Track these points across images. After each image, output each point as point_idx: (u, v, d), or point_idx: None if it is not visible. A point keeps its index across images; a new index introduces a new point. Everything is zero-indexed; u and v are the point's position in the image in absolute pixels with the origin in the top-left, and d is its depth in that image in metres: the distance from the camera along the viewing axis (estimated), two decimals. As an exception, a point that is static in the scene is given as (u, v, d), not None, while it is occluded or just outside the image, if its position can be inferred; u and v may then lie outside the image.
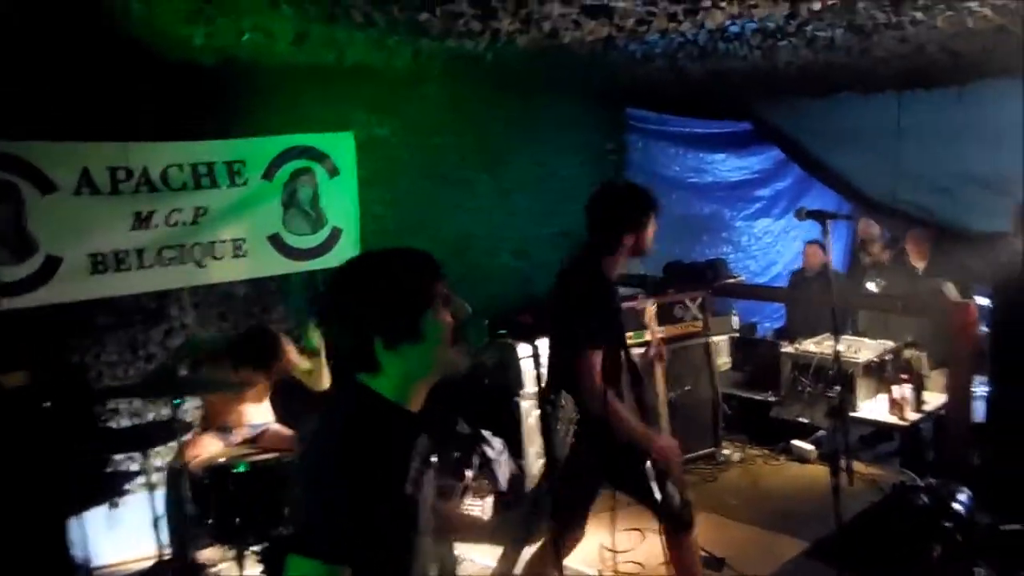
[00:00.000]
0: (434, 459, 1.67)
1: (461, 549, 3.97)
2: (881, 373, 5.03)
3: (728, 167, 7.12)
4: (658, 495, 2.92)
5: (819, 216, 3.19)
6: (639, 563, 3.88)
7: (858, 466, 4.76)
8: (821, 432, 5.15)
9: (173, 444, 3.49)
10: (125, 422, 3.93)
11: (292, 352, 3.87)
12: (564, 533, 3.02)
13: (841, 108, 5.88)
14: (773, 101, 6.20)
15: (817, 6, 3.17)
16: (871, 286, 6.22)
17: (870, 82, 5.37)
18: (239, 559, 3.19)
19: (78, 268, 3.89)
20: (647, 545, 4.07)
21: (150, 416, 3.98)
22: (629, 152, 6.35)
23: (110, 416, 3.96)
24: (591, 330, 2.94)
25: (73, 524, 3.55)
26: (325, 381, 3.85)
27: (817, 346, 5.16)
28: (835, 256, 7.26)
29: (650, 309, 3.86)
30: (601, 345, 2.91)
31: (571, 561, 3.86)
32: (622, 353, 3.05)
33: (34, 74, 3.64)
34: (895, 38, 3.90)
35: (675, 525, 3.01)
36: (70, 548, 3.51)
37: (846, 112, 5.86)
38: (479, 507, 4.28)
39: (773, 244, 7.66)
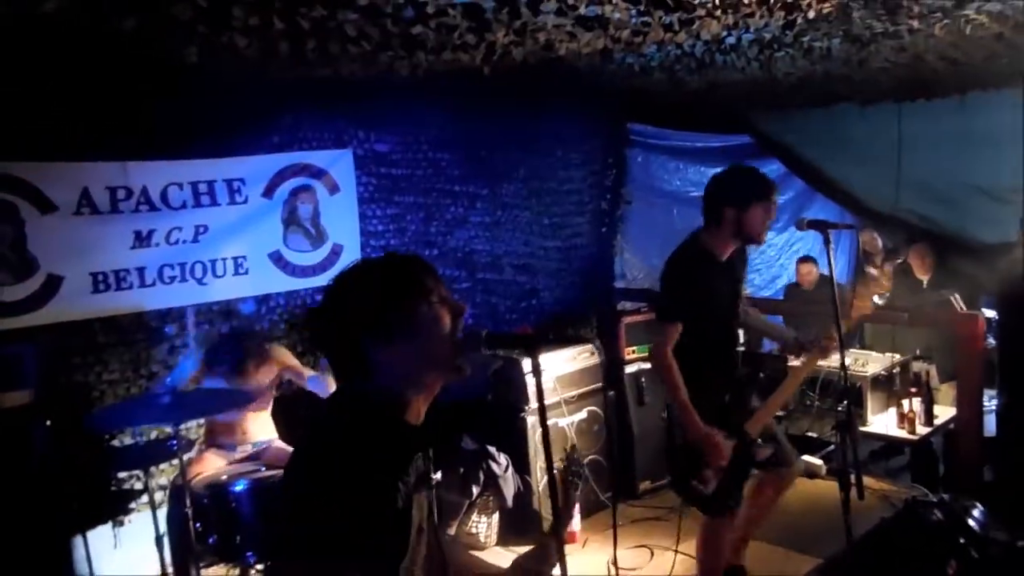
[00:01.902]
0: (435, 479, 1.60)
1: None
2: (890, 386, 4.98)
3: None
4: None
5: (820, 226, 3.16)
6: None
7: (869, 481, 4.65)
8: (830, 447, 5.09)
9: (176, 462, 3.45)
10: (128, 440, 3.89)
11: (282, 354, 3.90)
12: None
13: (841, 119, 5.86)
14: (772, 113, 6.19)
15: (811, 14, 3.17)
16: (875, 299, 6.19)
17: (870, 92, 5.36)
18: (240, 578, 3.15)
19: (79, 287, 3.87)
20: (656, 562, 4.01)
21: (153, 434, 3.94)
22: (629, 166, 6.34)
23: (113, 434, 3.93)
24: (668, 302, 3.05)
25: (77, 542, 3.51)
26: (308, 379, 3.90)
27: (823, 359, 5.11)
28: (838, 269, 7.23)
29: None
30: (676, 320, 2.94)
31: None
32: (722, 336, 3.07)
33: (32, 95, 3.63)
34: (893, 47, 3.89)
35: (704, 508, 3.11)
36: (74, 567, 3.46)
37: (846, 123, 5.84)
38: (485, 524, 4.23)
39: (776, 258, 7.63)
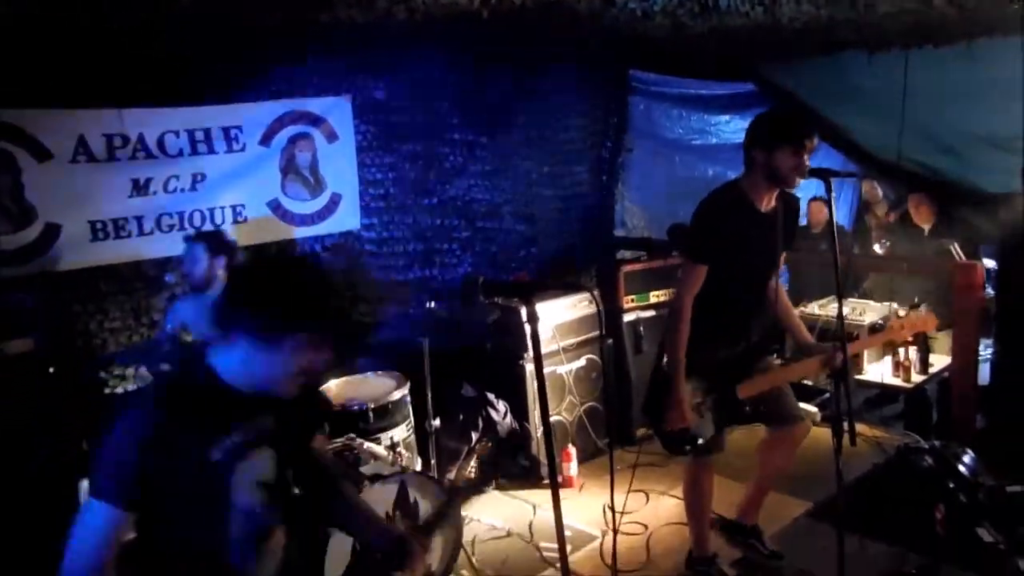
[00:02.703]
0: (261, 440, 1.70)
1: (468, 509, 4.01)
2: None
3: (732, 128, 7.00)
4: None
5: (822, 174, 3.12)
6: (643, 524, 3.90)
7: (862, 428, 4.75)
8: (825, 394, 5.15)
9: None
10: (132, 387, 3.93)
11: None
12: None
13: (846, 66, 5.76)
14: (777, 60, 6.08)
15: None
16: (877, 248, 6.17)
17: (876, 39, 5.26)
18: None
19: (78, 235, 3.89)
20: (651, 507, 4.10)
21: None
22: (631, 114, 6.26)
23: (116, 382, 3.97)
24: (694, 241, 3.05)
25: (80, 488, 3.57)
26: None
27: (822, 308, 5.13)
28: (840, 218, 7.21)
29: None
30: (699, 260, 2.97)
31: (574, 521, 3.90)
32: (745, 290, 3.07)
33: (26, 41, 3.58)
34: (901, -9, 3.81)
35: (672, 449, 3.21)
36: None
37: (851, 70, 5.74)
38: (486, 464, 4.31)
39: (778, 207, 7.60)
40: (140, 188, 4.04)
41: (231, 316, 1.61)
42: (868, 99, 5.78)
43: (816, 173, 3.13)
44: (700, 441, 3.10)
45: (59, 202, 3.83)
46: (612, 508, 3.45)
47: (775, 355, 3.44)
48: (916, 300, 5.15)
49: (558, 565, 3.44)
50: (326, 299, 1.65)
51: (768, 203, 3.05)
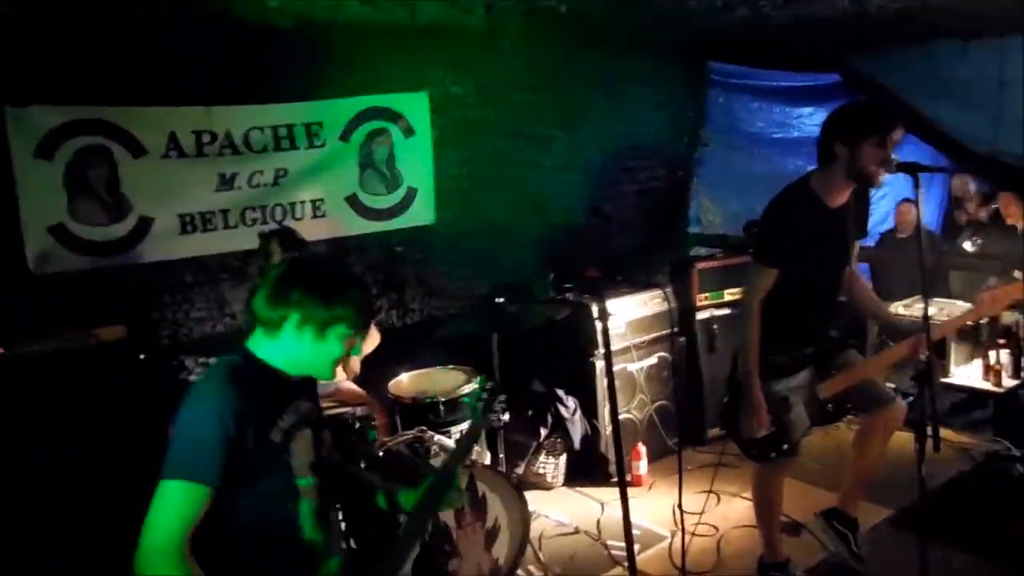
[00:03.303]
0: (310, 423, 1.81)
1: (536, 505, 4.03)
2: (976, 337, 4.78)
3: (815, 121, 6.79)
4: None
5: (911, 168, 2.99)
6: (714, 526, 3.84)
7: (948, 434, 4.56)
8: (908, 397, 4.95)
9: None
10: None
11: None
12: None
13: (939, 56, 5.52)
14: (864, 50, 5.88)
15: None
16: (967, 245, 5.91)
17: (971, 27, 5.02)
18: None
19: (168, 228, 4.06)
20: (722, 508, 4.03)
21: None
22: (709, 107, 6.15)
23: (200, 371, 4.14)
24: (764, 243, 2.98)
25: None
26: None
27: (907, 309, 4.94)
28: (928, 214, 6.92)
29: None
30: (769, 264, 2.91)
31: (643, 520, 3.87)
32: (819, 288, 3.01)
33: (121, 41, 3.76)
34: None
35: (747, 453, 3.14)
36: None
37: (945, 60, 5.51)
38: (552, 464, 4.32)
39: (863, 202, 7.33)
40: (226, 183, 4.19)
41: (283, 304, 1.71)
42: (963, 90, 5.53)
43: (904, 167, 3.00)
44: (785, 447, 3.03)
45: (151, 196, 4.01)
46: (681, 508, 3.43)
47: (855, 350, 3.32)
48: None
49: (626, 564, 3.46)
50: (367, 289, 1.84)
51: (840, 199, 2.95)
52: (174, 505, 1.57)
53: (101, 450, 3.34)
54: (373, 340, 3.80)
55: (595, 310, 4.35)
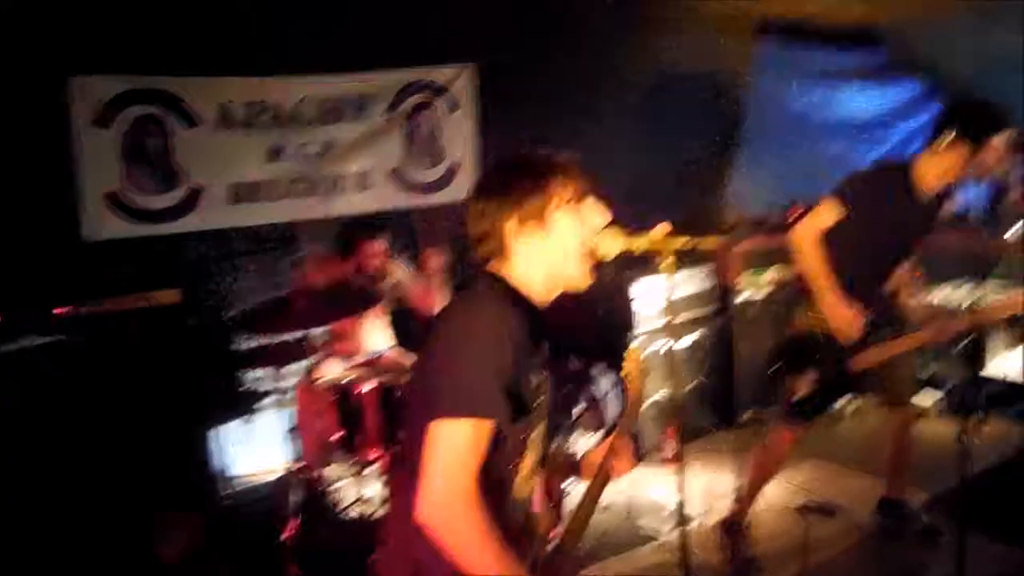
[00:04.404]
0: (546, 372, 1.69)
1: (566, 482, 4.08)
2: (1019, 326, 4.73)
3: (861, 101, 6.68)
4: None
5: None
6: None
7: (988, 423, 4.54)
8: (949, 385, 4.92)
9: (304, 364, 3.73)
10: (259, 343, 4.19)
11: (399, 268, 4.02)
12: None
13: (995, 27, 5.35)
14: (910, 24, 5.71)
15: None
16: (1012, 232, 5.80)
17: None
18: (359, 475, 3.41)
19: (219, 198, 4.15)
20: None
21: (282, 337, 4.22)
22: (752, 87, 6.06)
23: (246, 336, 4.25)
24: (847, 186, 3.00)
25: (211, 436, 3.89)
26: (434, 300, 3.99)
27: (949, 294, 4.90)
28: (983, 197, 6.78)
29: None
30: (839, 198, 2.93)
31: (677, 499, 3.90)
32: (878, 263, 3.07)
33: (175, 8, 3.81)
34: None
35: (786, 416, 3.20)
36: (209, 458, 3.84)
37: (1001, 31, 5.33)
38: (588, 442, 4.37)
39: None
40: (276, 154, 4.27)
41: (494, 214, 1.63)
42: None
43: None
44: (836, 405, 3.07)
45: (203, 166, 4.09)
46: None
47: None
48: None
49: (656, 541, 3.52)
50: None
51: (933, 190, 2.95)
52: (456, 444, 1.44)
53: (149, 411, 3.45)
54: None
55: (640, 288, 4.40)
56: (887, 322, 3.23)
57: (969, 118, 2.87)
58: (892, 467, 3.52)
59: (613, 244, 1.68)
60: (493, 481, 1.53)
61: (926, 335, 3.15)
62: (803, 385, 3.05)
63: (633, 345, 4.38)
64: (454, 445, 1.44)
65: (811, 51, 6.26)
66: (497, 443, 1.50)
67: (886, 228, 2.97)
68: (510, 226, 1.61)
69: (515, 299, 1.60)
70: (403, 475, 1.60)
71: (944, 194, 3.06)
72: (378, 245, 3.89)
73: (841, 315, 2.97)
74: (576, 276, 1.66)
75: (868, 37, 6.09)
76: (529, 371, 1.58)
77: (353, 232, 3.94)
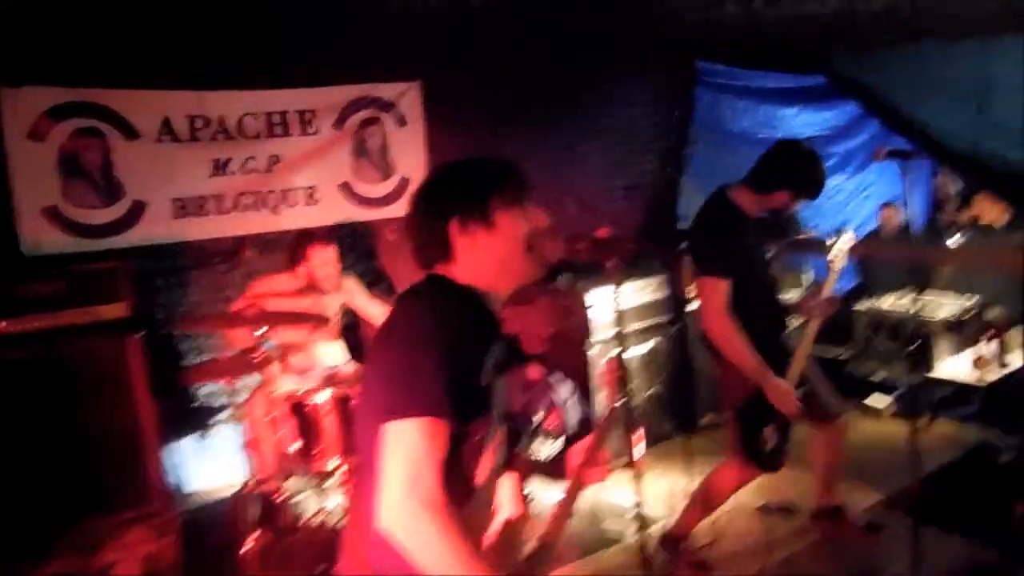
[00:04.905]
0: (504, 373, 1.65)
1: (531, 488, 4.02)
2: (962, 331, 4.88)
3: (801, 122, 6.89)
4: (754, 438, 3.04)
5: (901, 155, 3.07)
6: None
7: (937, 424, 4.64)
8: (898, 389, 5.02)
9: (256, 377, 3.61)
10: (207, 357, 4.07)
11: (352, 284, 3.97)
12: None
13: (925, 58, 5.62)
14: (851, 50, 5.97)
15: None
16: (950, 244, 6.01)
17: (957, 27, 5.13)
18: (319, 487, 3.30)
19: (162, 212, 4.04)
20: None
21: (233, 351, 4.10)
22: (696, 105, 6.20)
23: (196, 351, 4.12)
24: (708, 257, 3.06)
25: (167, 451, 3.73)
26: (375, 311, 3.93)
27: (895, 302, 5.03)
28: (913, 214, 7.02)
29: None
30: (720, 275, 2.97)
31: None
32: (759, 290, 3.09)
33: (114, 22, 3.73)
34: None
35: (759, 465, 3.10)
36: (165, 473, 3.67)
37: (930, 62, 5.60)
38: (549, 449, 4.32)
39: (845, 203, 7.41)
40: (220, 168, 4.18)
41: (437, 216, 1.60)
42: (947, 90, 5.62)
43: (895, 154, 3.08)
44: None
45: (145, 180, 3.99)
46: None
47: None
48: (991, 297, 4.97)
49: (620, 542, 3.48)
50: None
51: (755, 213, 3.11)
52: (417, 444, 1.37)
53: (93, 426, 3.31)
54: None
55: (590, 297, 4.41)
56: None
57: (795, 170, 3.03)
58: (825, 476, 3.53)
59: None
60: (453, 484, 1.45)
61: (811, 320, 3.23)
62: (771, 437, 3.05)
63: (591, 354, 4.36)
64: (407, 446, 1.38)
65: (753, 74, 6.46)
66: (452, 443, 1.44)
67: (754, 261, 3.10)
68: (453, 227, 1.58)
69: (462, 298, 1.57)
70: (360, 484, 1.55)
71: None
72: (329, 252, 3.80)
73: (777, 393, 2.97)
74: (522, 274, 1.64)
75: (807, 61, 6.31)
76: (481, 369, 1.52)
77: (303, 239, 3.84)
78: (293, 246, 3.84)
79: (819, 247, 5.83)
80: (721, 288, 2.95)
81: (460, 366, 1.44)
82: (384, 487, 1.38)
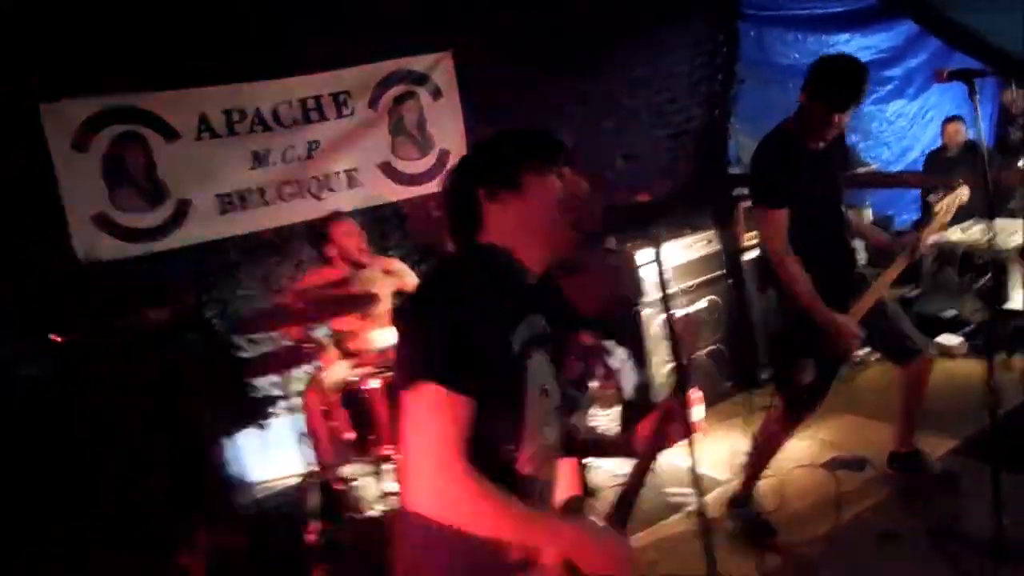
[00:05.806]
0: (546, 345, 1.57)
1: (590, 457, 4.01)
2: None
3: (853, 48, 6.52)
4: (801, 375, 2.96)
5: (964, 75, 2.85)
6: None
7: (1015, 360, 4.43)
8: (971, 325, 4.80)
9: (310, 367, 3.67)
10: (263, 350, 4.14)
11: (400, 267, 4.03)
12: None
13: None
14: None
15: None
16: (1022, 164, 5.66)
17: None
18: (377, 473, 3.35)
19: (207, 209, 4.09)
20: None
21: (286, 342, 4.18)
22: (741, 42, 5.93)
23: (251, 347, 4.20)
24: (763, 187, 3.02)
25: (227, 445, 3.84)
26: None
27: (964, 232, 4.78)
28: (983, 128, 6.65)
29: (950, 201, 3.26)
30: (775, 204, 2.93)
31: (702, 466, 3.82)
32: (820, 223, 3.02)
33: (139, 24, 3.75)
34: None
35: (794, 406, 3.08)
36: (226, 467, 3.80)
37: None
38: (607, 416, 4.30)
39: (908, 128, 7.05)
40: (260, 160, 4.20)
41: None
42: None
43: (957, 75, 2.88)
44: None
45: (188, 178, 4.04)
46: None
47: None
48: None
49: (686, 510, 3.44)
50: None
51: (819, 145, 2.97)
52: (442, 411, 1.33)
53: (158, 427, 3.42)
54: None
55: (641, 257, 4.32)
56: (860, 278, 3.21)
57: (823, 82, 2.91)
58: (905, 418, 3.41)
59: None
60: (489, 461, 1.40)
61: (894, 271, 3.15)
62: (807, 370, 2.96)
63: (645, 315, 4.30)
64: (432, 414, 1.33)
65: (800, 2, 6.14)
66: (486, 417, 1.38)
67: (815, 195, 2.99)
68: (481, 194, 1.54)
69: (498, 268, 1.52)
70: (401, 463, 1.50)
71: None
72: (348, 224, 3.86)
73: (834, 327, 2.89)
74: (557, 242, 1.57)
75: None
76: (507, 342, 1.45)
77: (321, 222, 3.93)
78: (315, 232, 3.88)
79: (882, 180, 5.60)
80: (777, 218, 2.93)
81: (491, 337, 1.40)
82: (413, 463, 1.35)
